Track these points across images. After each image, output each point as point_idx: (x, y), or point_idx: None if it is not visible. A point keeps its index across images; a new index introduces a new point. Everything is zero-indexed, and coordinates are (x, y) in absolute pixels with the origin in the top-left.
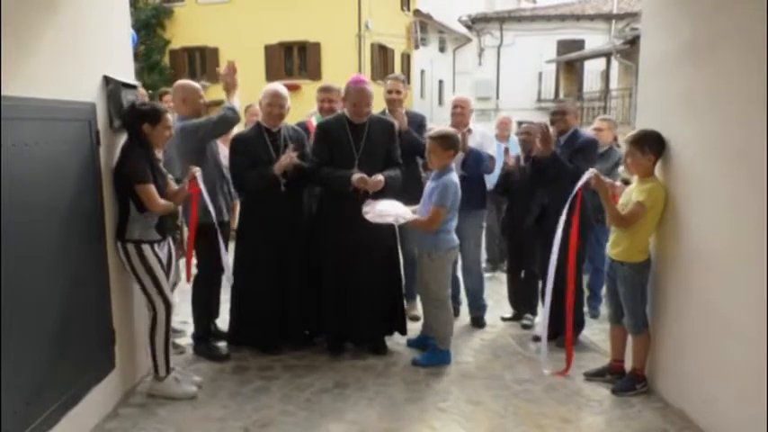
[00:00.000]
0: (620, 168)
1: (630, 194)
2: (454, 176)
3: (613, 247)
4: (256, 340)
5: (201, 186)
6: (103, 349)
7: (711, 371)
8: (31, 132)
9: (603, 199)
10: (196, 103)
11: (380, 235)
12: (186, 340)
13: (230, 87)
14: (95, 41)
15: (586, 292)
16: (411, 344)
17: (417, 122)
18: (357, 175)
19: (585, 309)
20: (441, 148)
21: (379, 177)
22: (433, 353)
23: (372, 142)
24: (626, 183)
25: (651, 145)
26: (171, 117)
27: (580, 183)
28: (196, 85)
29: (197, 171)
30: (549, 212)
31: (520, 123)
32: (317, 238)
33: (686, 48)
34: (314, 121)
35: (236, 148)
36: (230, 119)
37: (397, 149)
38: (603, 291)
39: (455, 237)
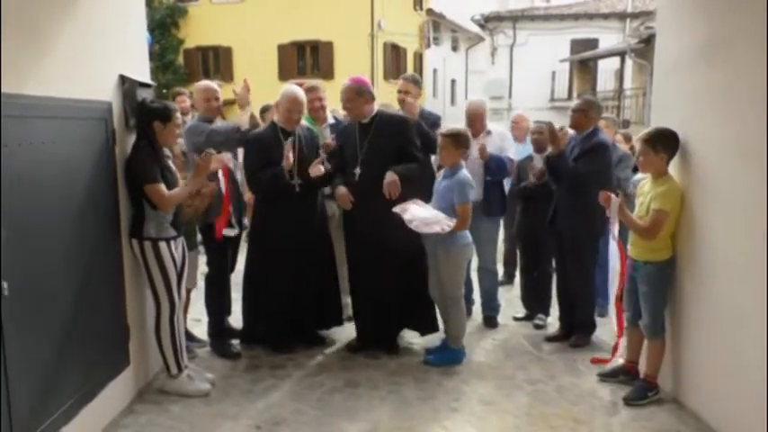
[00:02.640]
0: (636, 177)
1: (647, 195)
2: (466, 171)
3: (635, 248)
4: (269, 339)
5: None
6: (118, 346)
7: (726, 372)
8: (48, 131)
9: (626, 221)
10: (206, 105)
11: (401, 233)
12: (203, 345)
13: (243, 105)
14: (111, 41)
15: None
16: (430, 352)
17: (431, 123)
18: (340, 191)
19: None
20: (453, 146)
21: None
22: (444, 352)
23: (377, 141)
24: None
25: (664, 143)
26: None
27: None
28: (207, 86)
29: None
30: (559, 211)
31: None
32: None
33: (702, 46)
34: (304, 122)
35: (250, 148)
36: (233, 140)
37: (410, 145)
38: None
39: (469, 233)
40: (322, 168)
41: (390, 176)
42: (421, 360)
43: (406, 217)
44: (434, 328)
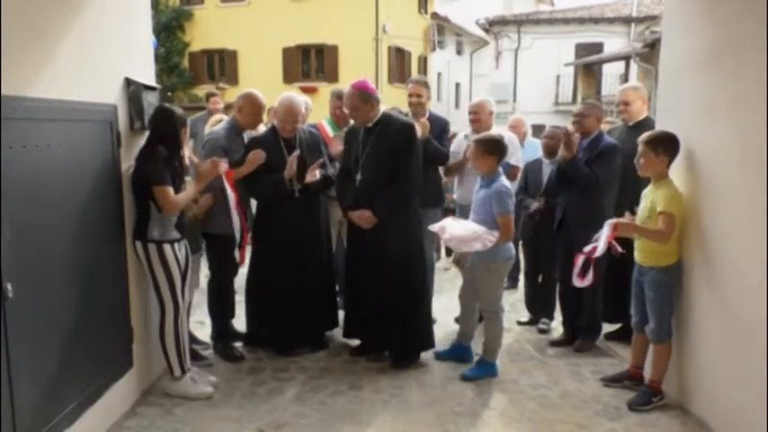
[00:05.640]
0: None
1: (648, 198)
2: (504, 180)
3: (640, 253)
4: (272, 342)
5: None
6: (122, 348)
7: (732, 379)
8: (53, 133)
9: (636, 234)
10: (251, 120)
11: (398, 242)
12: (206, 347)
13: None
14: (117, 44)
15: None
16: (441, 356)
17: (440, 127)
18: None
19: None
20: (481, 152)
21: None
22: (481, 366)
23: (378, 147)
24: (632, 212)
25: (666, 146)
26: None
27: (602, 239)
28: (260, 100)
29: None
30: (568, 216)
31: (542, 127)
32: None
33: (709, 51)
34: (325, 124)
35: (250, 152)
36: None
37: (404, 158)
38: None
39: (512, 245)
40: (317, 174)
41: (370, 215)
42: (425, 364)
43: (445, 237)
44: (428, 346)
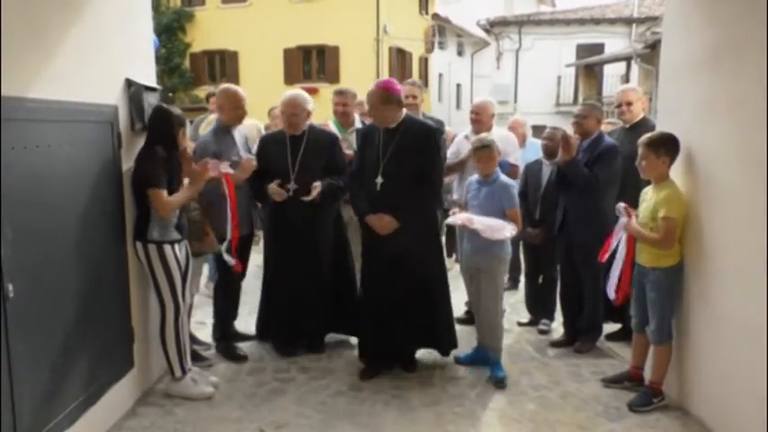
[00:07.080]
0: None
1: (650, 201)
2: (504, 177)
3: (642, 254)
4: (274, 340)
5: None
6: (122, 348)
7: (732, 380)
8: (54, 134)
9: (639, 236)
10: (233, 114)
11: (421, 246)
12: (207, 347)
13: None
14: (118, 44)
15: None
16: (461, 361)
17: None
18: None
19: None
20: (488, 155)
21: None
22: (497, 366)
23: (402, 150)
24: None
25: (667, 147)
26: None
27: (615, 235)
28: (237, 94)
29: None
30: (569, 217)
31: (543, 128)
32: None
33: (709, 52)
34: (331, 124)
35: (260, 150)
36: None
37: (431, 160)
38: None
39: (509, 242)
40: (314, 193)
41: (390, 219)
42: (425, 365)
43: (476, 227)
44: (454, 345)
